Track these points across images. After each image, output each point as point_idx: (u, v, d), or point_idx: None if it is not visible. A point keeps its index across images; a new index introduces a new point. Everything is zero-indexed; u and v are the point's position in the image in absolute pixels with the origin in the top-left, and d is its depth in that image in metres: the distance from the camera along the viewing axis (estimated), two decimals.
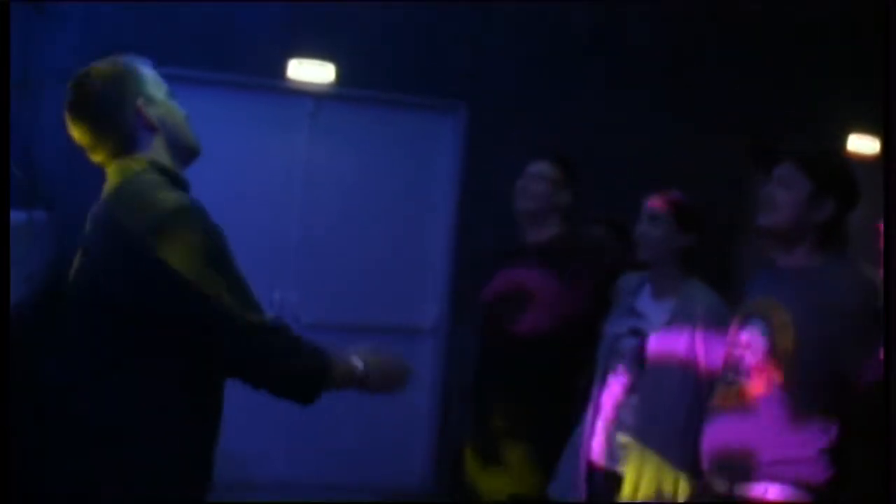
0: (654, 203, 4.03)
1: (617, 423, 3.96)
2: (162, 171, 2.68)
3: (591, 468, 4.03)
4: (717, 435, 3.33)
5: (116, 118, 2.69)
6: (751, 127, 7.02)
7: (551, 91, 6.87)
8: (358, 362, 2.81)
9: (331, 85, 6.53)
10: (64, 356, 2.67)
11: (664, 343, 3.84)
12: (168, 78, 2.66)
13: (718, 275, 4.04)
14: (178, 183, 2.71)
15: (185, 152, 2.82)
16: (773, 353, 3.22)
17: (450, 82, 6.79)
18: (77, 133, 2.73)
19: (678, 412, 3.72)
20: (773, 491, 3.17)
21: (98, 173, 5.97)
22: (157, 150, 2.73)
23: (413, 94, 6.77)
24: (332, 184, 6.67)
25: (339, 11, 6.47)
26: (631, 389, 3.93)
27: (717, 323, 3.70)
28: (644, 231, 4.01)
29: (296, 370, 2.60)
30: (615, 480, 3.90)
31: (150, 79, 2.79)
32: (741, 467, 3.22)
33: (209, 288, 2.43)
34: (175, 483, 2.52)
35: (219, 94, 6.46)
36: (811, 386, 3.15)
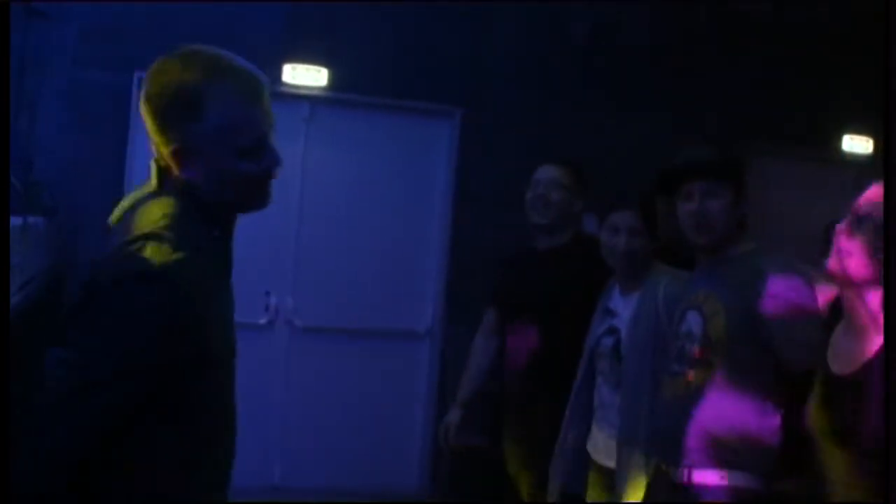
0: (630, 217, 4.01)
1: (605, 421, 4.01)
2: (194, 199, 2.20)
3: (591, 466, 4.07)
4: (669, 424, 3.37)
5: (167, 129, 2.18)
6: (745, 128, 7.05)
7: (547, 96, 6.89)
8: None
9: (325, 90, 6.55)
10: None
11: (634, 335, 3.90)
12: None
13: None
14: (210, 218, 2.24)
15: (234, 209, 2.33)
16: (709, 340, 3.30)
17: (445, 87, 6.81)
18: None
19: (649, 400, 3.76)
20: (728, 477, 3.22)
21: (96, 179, 5.95)
22: (207, 181, 2.20)
23: (408, 99, 6.78)
24: (327, 188, 6.68)
25: (334, 17, 6.49)
26: (615, 386, 3.98)
27: (676, 299, 3.68)
28: (623, 244, 3.98)
29: None
30: (608, 477, 3.94)
31: (219, 121, 2.18)
32: (695, 456, 3.27)
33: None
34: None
35: None
36: (749, 371, 3.23)
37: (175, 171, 2.20)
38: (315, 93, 6.55)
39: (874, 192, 2.56)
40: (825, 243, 2.80)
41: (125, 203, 2.28)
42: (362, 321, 6.67)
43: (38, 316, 5.16)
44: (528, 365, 4.43)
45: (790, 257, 3.37)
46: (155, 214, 2.15)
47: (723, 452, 3.24)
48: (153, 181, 2.24)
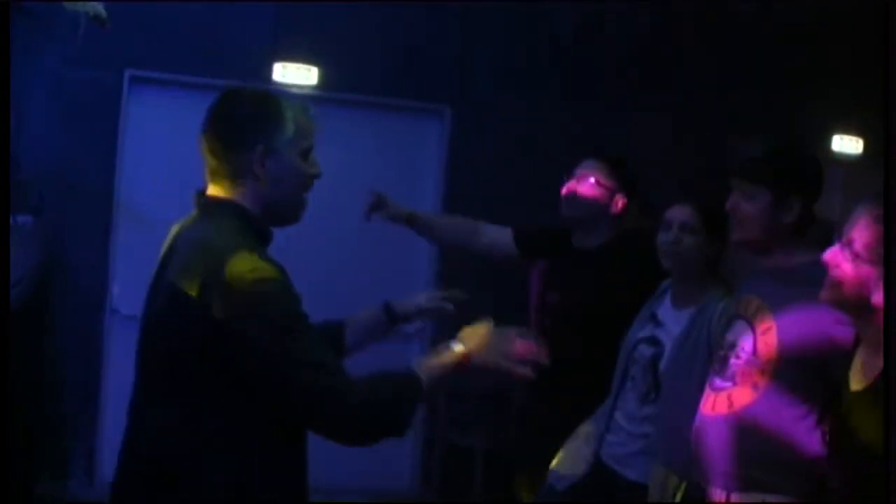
0: (683, 211, 3.84)
1: (629, 430, 3.90)
2: (243, 218, 2.65)
3: (599, 467, 3.97)
4: (710, 444, 3.25)
5: (231, 149, 2.63)
6: (733, 128, 7.06)
7: (535, 94, 6.88)
8: (456, 347, 2.73)
9: (315, 88, 6.54)
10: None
11: (680, 353, 3.73)
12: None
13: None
14: (261, 235, 2.73)
15: (280, 218, 2.81)
16: (757, 359, 3.17)
17: (434, 85, 6.81)
18: (202, 144, 2.67)
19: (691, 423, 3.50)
20: (768, 500, 3.11)
21: (84, 178, 5.94)
22: (253, 199, 2.67)
23: (397, 98, 6.78)
24: (316, 186, 6.61)
25: (324, 15, 6.49)
26: (643, 398, 3.86)
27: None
28: (673, 240, 3.80)
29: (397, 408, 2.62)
30: (623, 484, 3.88)
31: (292, 127, 2.72)
32: (735, 476, 3.17)
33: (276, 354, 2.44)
34: None
35: (204, 98, 6.45)
36: (797, 394, 3.10)
37: (232, 186, 2.64)
38: (305, 91, 6.54)
39: (865, 223, 2.58)
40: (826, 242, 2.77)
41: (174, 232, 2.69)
42: None
43: (27, 315, 5.15)
44: (553, 371, 4.28)
45: None
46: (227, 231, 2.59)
47: (763, 475, 3.13)
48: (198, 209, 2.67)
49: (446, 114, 6.88)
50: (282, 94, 2.79)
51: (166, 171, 6.29)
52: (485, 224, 4.57)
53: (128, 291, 6.37)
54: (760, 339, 3.18)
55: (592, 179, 4.21)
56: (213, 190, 2.66)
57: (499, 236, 4.54)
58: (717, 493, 3.23)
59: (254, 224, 2.67)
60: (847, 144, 7.63)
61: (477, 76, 6.84)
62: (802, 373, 3.09)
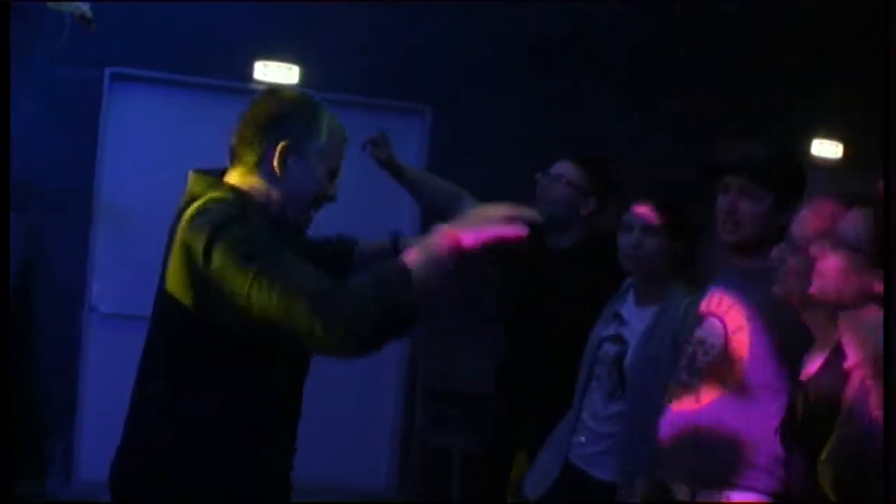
0: (645, 212, 3.83)
1: (596, 430, 3.90)
2: (247, 205, 2.61)
3: (569, 470, 3.96)
4: (676, 439, 3.26)
5: (256, 142, 2.63)
6: (714, 131, 7.07)
7: (518, 96, 6.89)
8: (443, 227, 2.49)
9: (297, 87, 6.54)
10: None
11: (645, 350, 3.73)
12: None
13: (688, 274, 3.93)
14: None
15: (282, 223, 2.71)
16: (728, 356, 3.19)
17: (416, 86, 6.80)
18: (235, 127, 2.69)
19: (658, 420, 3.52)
20: (734, 497, 3.12)
21: (66, 175, 5.92)
22: (264, 195, 2.66)
23: (379, 98, 6.78)
24: None
25: (305, 14, 6.48)
26: (609, 396, 3.85)
27: None
28: (634, 242, 3.81)
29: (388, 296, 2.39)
30: (591, 485, 3.87)
31: (325, 138, 2.73)
32: (700, 472, 3.19)
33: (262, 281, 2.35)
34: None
35: (184, 96, 6.46)
36: (767, 392, 3.11)
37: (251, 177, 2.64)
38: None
39: (804, 217, 2.70)
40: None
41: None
42: None
43: (9, 314, 5.13)
44: (523, 372, 4.28)
45: None
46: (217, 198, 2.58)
47: (728, 473, 3.13)
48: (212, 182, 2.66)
49: (428, 115, 6.88)
50: (325, 106, 2.80)
51: (147, 167, 6.29)
52: (470, 196, 4.49)
53: (107, 289, 6.36)
54: (732, 337, 3.20)
55: (563, 181, 4.22)
56: (230, 176, 2.68)
57: None
58: (682, 491, 3.24)
59: (255, 212, 2.61)
60: (827, 149, 7.66)
61: (460, 77, 6.83)
62: (772, 373, 3.10)
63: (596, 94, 6.98)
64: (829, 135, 7.63)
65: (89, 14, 4.16)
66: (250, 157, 2.63)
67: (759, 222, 3.24)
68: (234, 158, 2.66)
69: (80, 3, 4.20)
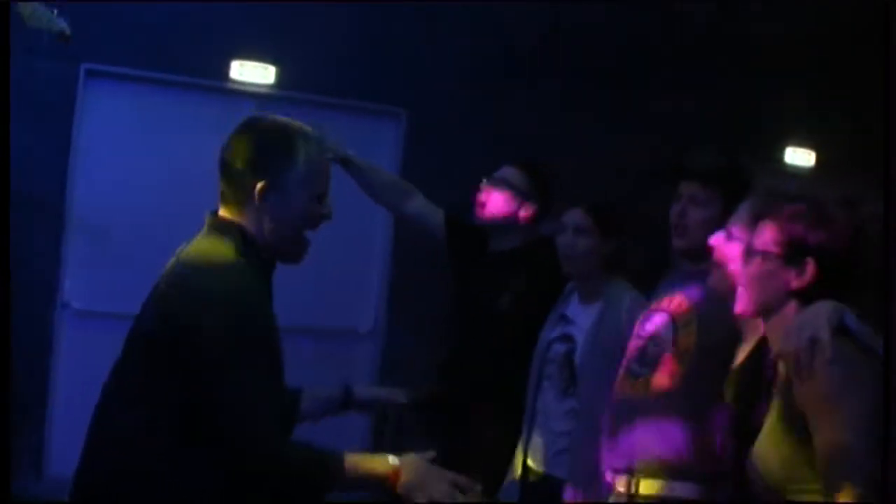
0: (576, 214, 3.97)
1: (546, 427, 3.94)
2: (244, 239, 2.66)
3: (529, 473, 3.99)
4: (622, 425, 3.34)
5: (237, 177, 2.66)
6: (686, 138, 7.11)
7: (493, 98, 6.91)
8: (391, 459, 2.69)
9: (272, 87, 6.54)
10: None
11: (594, 345, 3.82)
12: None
13: (654, 272, 3.99)
14: (260, 257, 2.74)
15: (277, 253, 2.82)
16: (678, 350, 3.28)
17: (391, 88, 6.81)
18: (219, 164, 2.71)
19: None
20: (677, 489, 3.21)
21: (39, 171, 5.87)
22: (255, 226, 2.69)
23: (354, 99, 6.78)
24: None
25: (282, 14, 6.48)
26: (563, 392, 3.91)
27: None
28: (569, 243, 3.93)
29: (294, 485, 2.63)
30: (552, 484, 3.89)
31: (304, 169, 2.68)
32: (643, 460, 3.27)
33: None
34: None
35: (160, 94, 6.45)
36: (712, 384, 3.15)
37: (239, 214, 2.66)
38: (262, 90, 6.53)
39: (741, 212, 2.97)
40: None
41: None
42: (304, 320, 6.61)
43: (9, 314, 5.11)
44: (472, 370, 4.28)
45: None
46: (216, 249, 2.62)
47: (672, 461, 3.22)
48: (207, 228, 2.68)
49: (403, 116, 6.90)
50: (304, 130, 2.73)
51: (121, 164, 6.26)
52: (420, 194, 4.54)
53: (79, 285, 6.34)
54: (682, 331, 3.31)
55: (502, 186, 4.28)
56: (222, 211, 2.70)
57: (429, 212, 4.53)
58: (623, 481, 3.31)
59: (254, 245, 2.68)
60: (800, 156, 7.71)
61: (435, 79, 6.85)
62: (720, 369, 3.15)
63: (570, 96, 7.01)
64: (802, 142, 7.68)
65: (68, 31, 4.16)
66: (235, 197, 2.66)
67: (707, 228, 3.29)
68: (222, 194, 2.69)
69: (59, 20, 4.19)
